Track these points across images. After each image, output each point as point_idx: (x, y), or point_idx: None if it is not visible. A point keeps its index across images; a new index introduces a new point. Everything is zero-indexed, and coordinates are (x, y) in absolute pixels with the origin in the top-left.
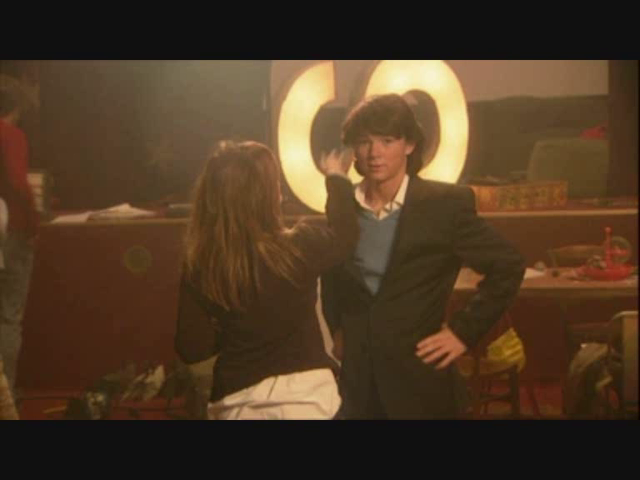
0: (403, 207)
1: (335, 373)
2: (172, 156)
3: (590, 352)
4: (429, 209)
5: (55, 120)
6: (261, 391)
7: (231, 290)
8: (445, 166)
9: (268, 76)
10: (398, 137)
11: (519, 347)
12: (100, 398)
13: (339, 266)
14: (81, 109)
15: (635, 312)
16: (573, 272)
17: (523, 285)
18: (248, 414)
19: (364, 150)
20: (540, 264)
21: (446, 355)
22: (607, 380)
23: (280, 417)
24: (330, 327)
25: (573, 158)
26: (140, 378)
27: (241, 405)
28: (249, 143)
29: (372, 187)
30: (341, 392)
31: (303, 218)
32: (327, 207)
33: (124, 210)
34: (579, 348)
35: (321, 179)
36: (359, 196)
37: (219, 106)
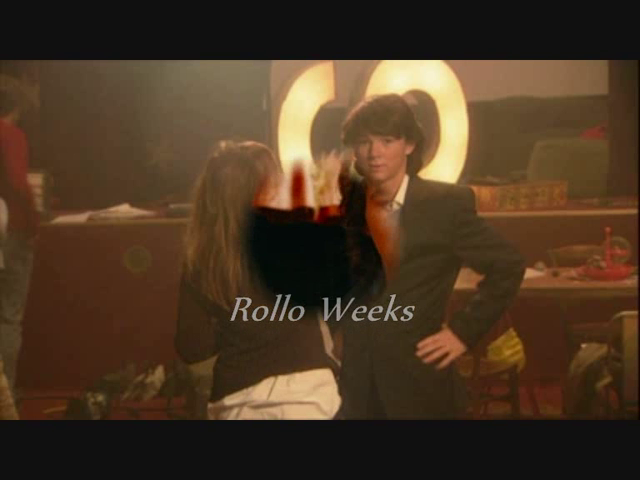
0: (403, 207)
1: (335, 373)
2: (172, 156)
3: (590, 352)
4: (429, 209)
5: (55, 120)
6: (261, 391)
7: (231, 290)
8: (445, 166)
9: (268, 76)
10: (398, 137)
11: (519, 347)
12: (100, 398)
13: None
14: (81, 109)
15: (635, 312)
16: (573, 272)
17: (523, 285)
18: (248, 414)
19: (364, 150)
20: (540, 264)
21: (446, 355)
22: (607, 380)
23: (280, 417)
24: (330, 327)
25: (573, 158)
26: (140, 378)
27: (241, 405)
28: (249, 143)
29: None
30: (341, 392)
31: None
32: None
33: (124, 210)
34: (579, 348)
35: None
36: None
37: (219, 106)
